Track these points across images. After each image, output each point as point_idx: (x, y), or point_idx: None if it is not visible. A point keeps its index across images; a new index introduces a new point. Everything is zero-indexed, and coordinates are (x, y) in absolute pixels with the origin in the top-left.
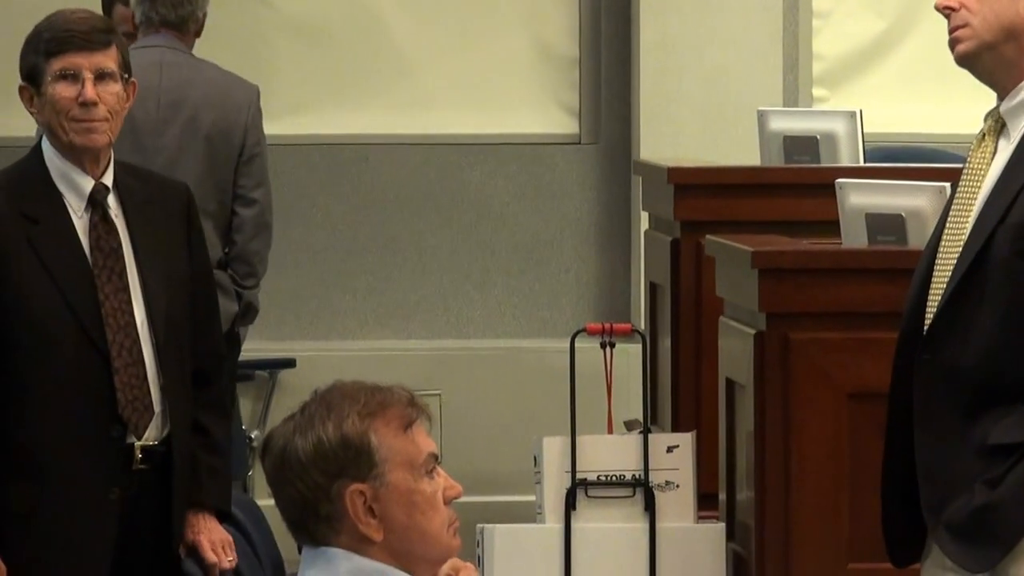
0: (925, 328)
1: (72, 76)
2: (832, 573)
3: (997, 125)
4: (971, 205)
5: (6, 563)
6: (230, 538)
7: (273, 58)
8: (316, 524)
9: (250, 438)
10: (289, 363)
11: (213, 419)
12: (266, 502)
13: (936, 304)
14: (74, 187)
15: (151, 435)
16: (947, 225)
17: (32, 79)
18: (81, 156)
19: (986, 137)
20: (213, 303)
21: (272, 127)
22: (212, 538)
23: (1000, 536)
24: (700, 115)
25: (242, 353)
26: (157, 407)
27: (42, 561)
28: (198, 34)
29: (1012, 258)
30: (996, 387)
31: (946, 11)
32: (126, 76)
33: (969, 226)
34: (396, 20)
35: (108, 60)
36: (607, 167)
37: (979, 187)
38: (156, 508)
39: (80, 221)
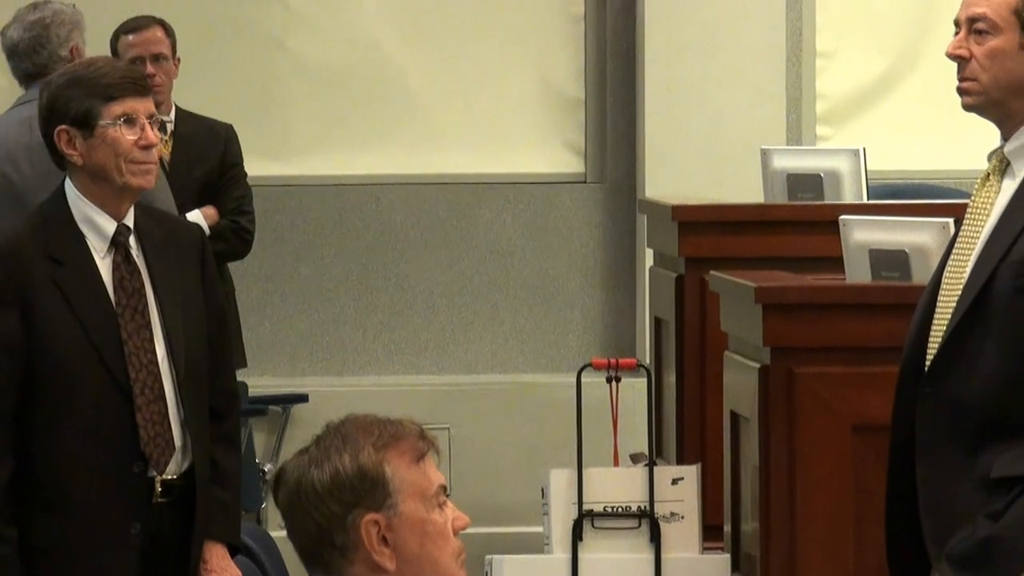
0: (927, 363)
1: (132, 121)
2: None
3: (1002, 165)
4: (974, 242)
5: None
6: (240, 574)
7: (288, 101)
8: (331, 554)
9: (263, 471)
10: (302, 398)
11: (224, 453)
12: (278, 534)
13: (939, 339)
14: (97, 229)
15: (172, 470)
16: (950, 261)
17: (83, 122)
18: (123, 197)
19: (990, 176)
20: (227, 342)
21: (286, 168)
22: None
23: (1002, 568)
24: (704, 154)
25: (255, 388)
26: (178, 442)
27: None
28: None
29: (1014, 294)
30: (998, 421)
31: (957, 59)
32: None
33: (971, 262)
34: (406, 63)
35: (152, 107)
36: (612, 205)
37: (983, 224)
38: (176, 542)
39: (103, 262)
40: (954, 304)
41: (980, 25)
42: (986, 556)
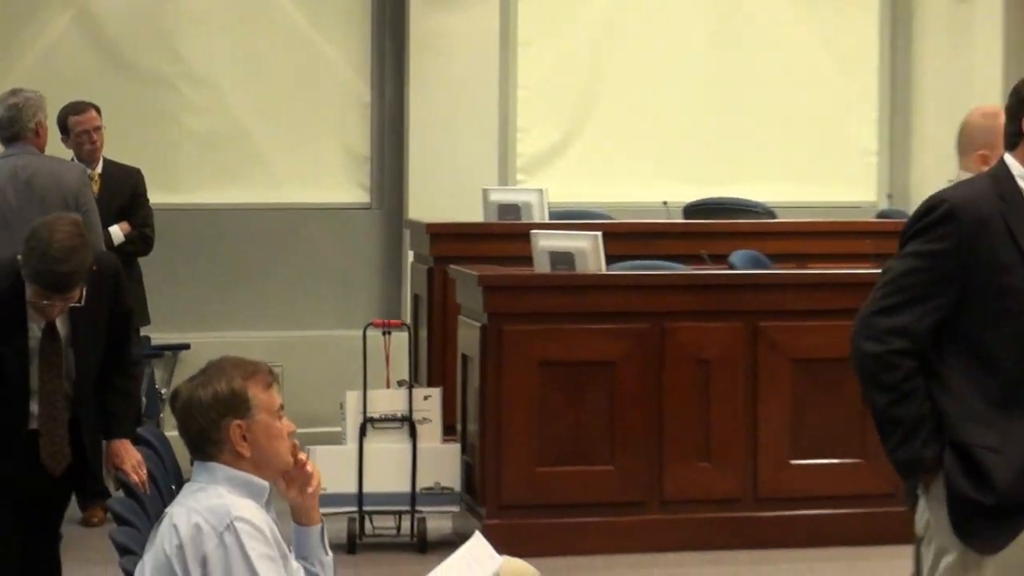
0: None
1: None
2: (526, 474)
3: None
4: None
5: None
6: (141, 457)
7: (178, 154)
8: (209, 446)
9: (161, 393)
10: (186, 346)
11: (123, 382)
12: (172, 434)
13: None
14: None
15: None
16: None
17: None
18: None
19: None
20: (129, 331)
21: (176, 198)
22: (130, 460)
23: None
24: (448, 192)
25: (156, 339)
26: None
27: None
28: (38, 134)
29: None
30: None
31: None
32: None
33: None
34: (257, 128)
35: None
36: (388, 224)
37: None
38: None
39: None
40: None
41: None
42: None
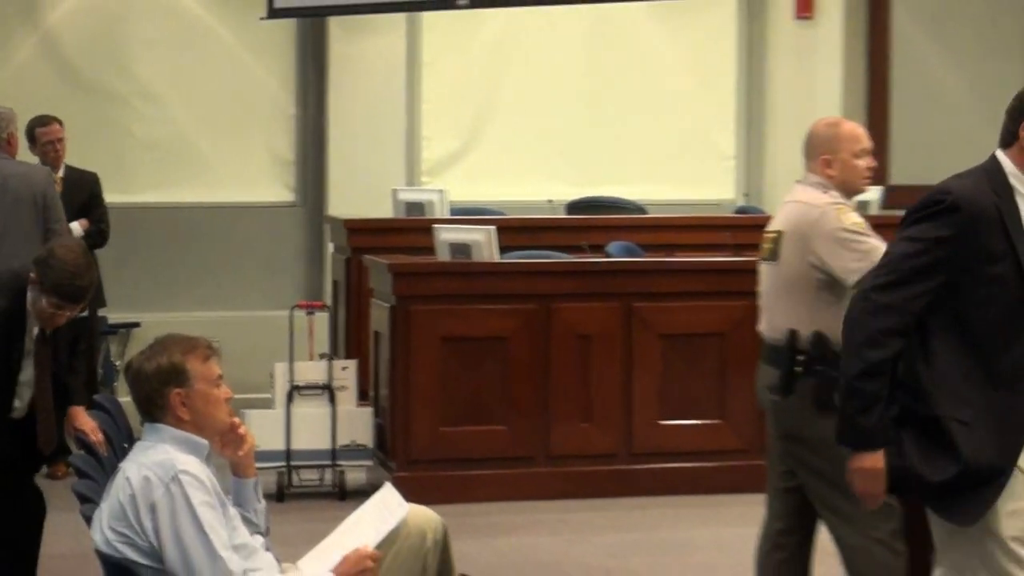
0: None
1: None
2: (429, 433)
3: None
4: None
5: None
6: (96, 423)
7: (130, 160)
8: (155, 410)
9: (115, 365)
10: (137, 324)
11: (77, 362)
12: (125, 399)
13: None
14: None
15: (19, 409)
16: None
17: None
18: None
19: None
20: (84, 333)
21: (128, 198)
22: (87, 425)
23: None
24: (363, 192)
25: (112, 319)
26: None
27: None
28: (10, 144)
29: None
30: None
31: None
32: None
33: None
34: (197, 137)
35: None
36: (310, 219)
37: None
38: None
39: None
40: None
41: None
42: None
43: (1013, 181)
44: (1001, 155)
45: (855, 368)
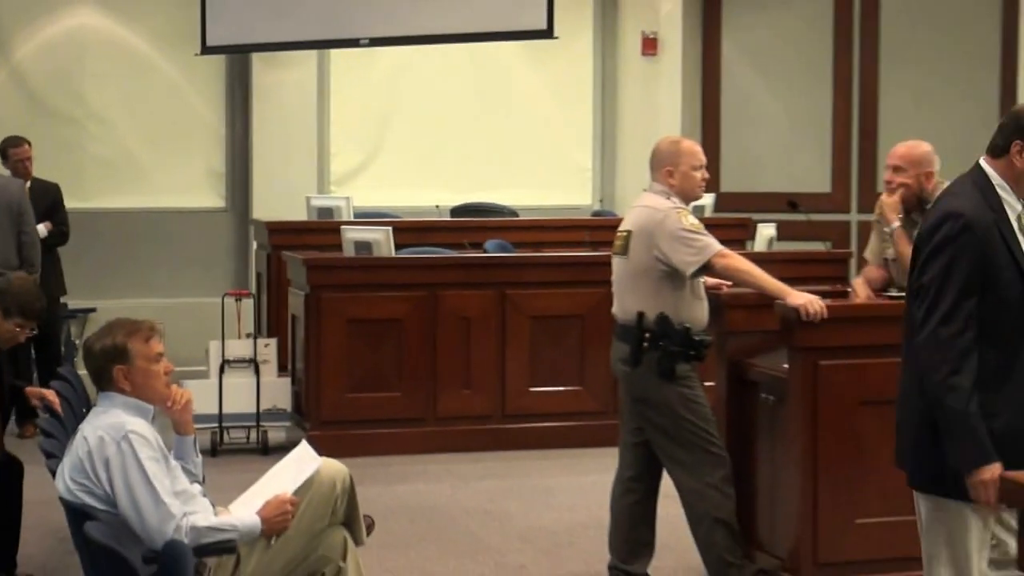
0: None
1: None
2: (338, 398)
3: None
4: None
5: None
6: (52, 393)
7: (86, 173)
8: (104, 383)
9: (76, 344)
10: (93, 310)
11: (27, 373)
12: (83, 372)
13: None
14: None
15: None
16: None
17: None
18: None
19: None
20: (53, 318)
21: (84, 204)
22: (47, 394)
23: None
24: (281, 198)
25: (72, 304)
26: None
27: None
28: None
29: None
30: None
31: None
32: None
33: None
34: (139, 150)
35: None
36: (238, 222)
37: None
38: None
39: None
40: None
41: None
42: None
43: (1000, 192)
44: (986, 165)
45: (949, 397)
